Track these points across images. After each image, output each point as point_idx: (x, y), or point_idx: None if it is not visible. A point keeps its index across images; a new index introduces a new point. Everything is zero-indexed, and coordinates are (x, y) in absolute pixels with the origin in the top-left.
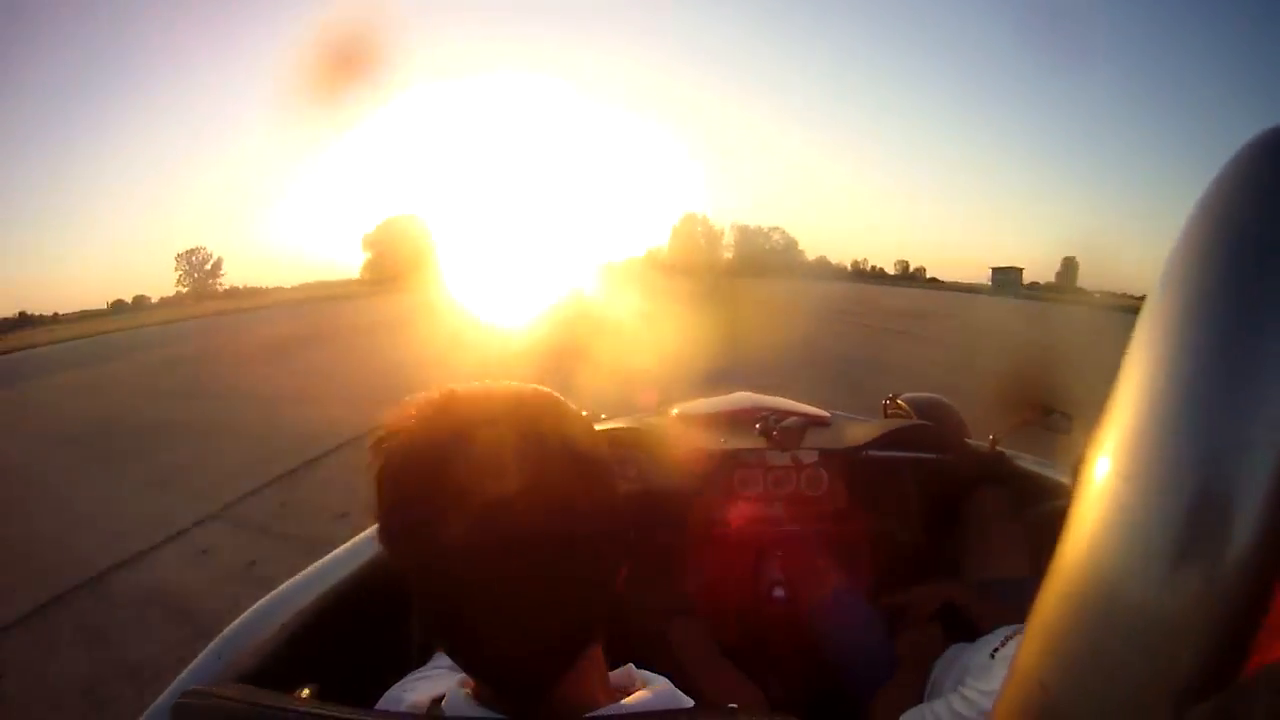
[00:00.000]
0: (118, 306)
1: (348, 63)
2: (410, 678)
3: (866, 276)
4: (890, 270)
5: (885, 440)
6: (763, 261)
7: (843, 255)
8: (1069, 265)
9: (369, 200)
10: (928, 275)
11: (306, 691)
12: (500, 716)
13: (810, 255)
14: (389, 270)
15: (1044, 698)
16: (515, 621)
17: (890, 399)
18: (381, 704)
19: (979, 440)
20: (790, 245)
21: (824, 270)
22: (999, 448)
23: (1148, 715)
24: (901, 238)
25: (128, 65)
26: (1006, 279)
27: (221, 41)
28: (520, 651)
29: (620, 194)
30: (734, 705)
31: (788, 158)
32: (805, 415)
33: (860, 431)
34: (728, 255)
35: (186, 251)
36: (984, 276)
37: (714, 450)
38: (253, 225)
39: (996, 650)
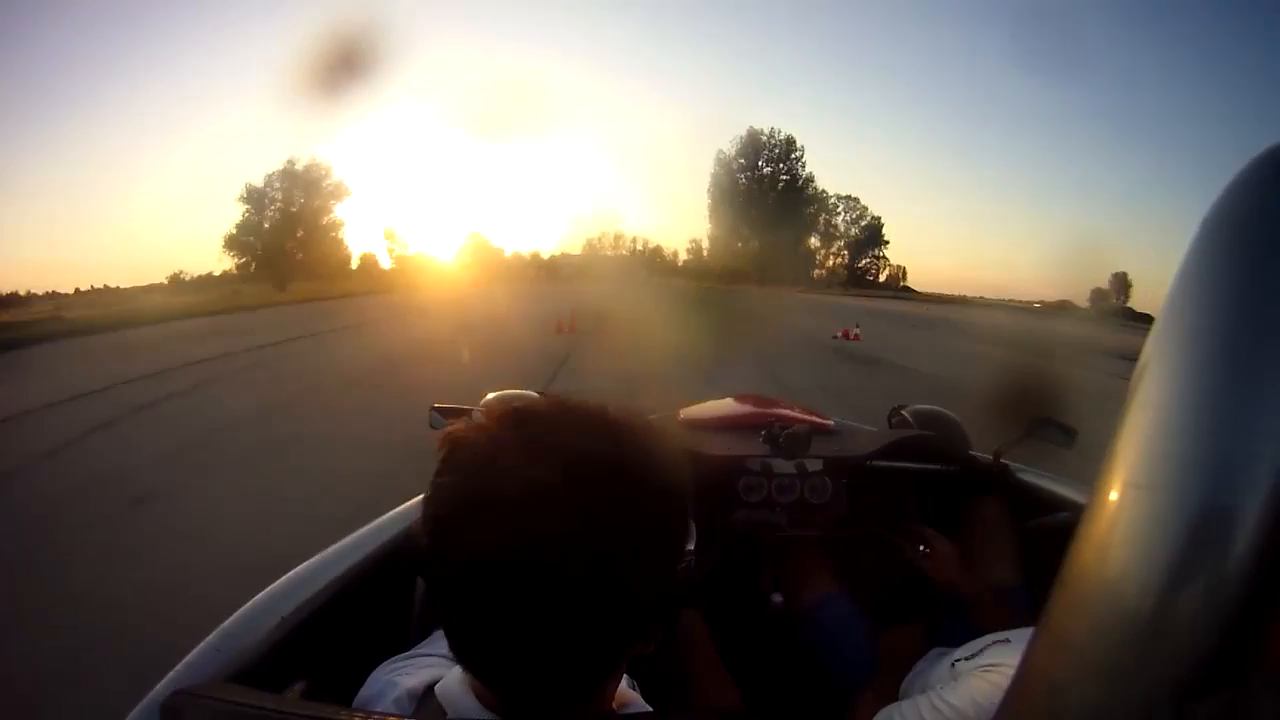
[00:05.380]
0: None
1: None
2: (395, 662)
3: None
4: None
5: (890, 450)
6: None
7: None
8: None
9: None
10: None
11: (297, 688)
12: None
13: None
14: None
15: (1052, 701)
16: (528, 646)
17: (895, 410)
18: (368, 688)
19: (984, 453)
20: (875, 232)
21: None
22: (1003, 460)
23: (1151, 714)
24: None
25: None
26: None
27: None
28: (532, 676)
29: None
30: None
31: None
32: (810, 423)
33: (865, 441)
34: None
35: None
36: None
37: (718, 456)
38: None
39: (959, 661)
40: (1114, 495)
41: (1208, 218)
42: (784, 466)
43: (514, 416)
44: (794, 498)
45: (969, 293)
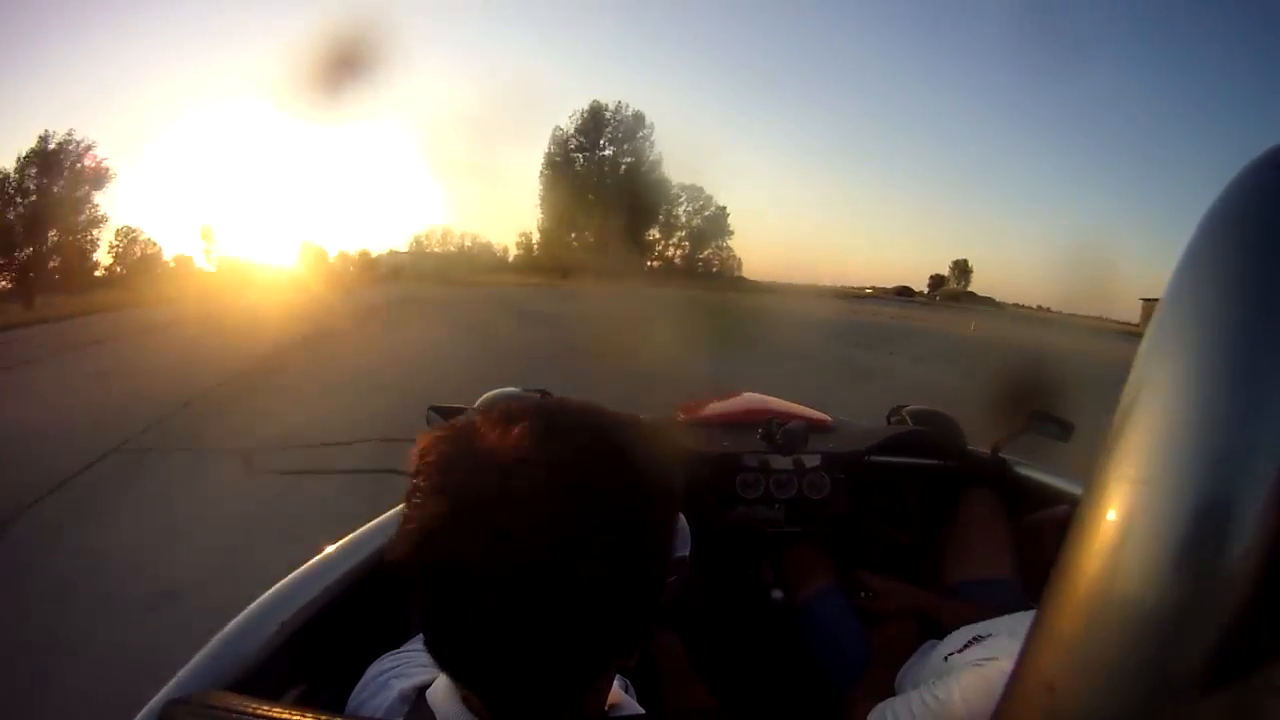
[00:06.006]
0: None
1: None
2: (390, 659)
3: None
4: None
5: (887, 445)
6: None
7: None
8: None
9: None
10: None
11: (293, 694)
12: None
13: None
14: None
15: (1051, 700)
16: (504, 654)
17: (894, 410)
18: (362, 687)
19: (981, 449)
20: (719, 222)
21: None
22: (1000, 454)
23: (1152, 713)
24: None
25: None
26: None
27: None
28: (511, 684)
29: None
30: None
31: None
32: (808, 419)
33: (863, 437)
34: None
35: None
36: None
37: (715, 452)
38: None
39: (950, 655)
40: (1112, 490)
41: (1208, 216)
42: (781, 463)
43: (499, 418)
44: (792, 494)
45: (799, 280)
